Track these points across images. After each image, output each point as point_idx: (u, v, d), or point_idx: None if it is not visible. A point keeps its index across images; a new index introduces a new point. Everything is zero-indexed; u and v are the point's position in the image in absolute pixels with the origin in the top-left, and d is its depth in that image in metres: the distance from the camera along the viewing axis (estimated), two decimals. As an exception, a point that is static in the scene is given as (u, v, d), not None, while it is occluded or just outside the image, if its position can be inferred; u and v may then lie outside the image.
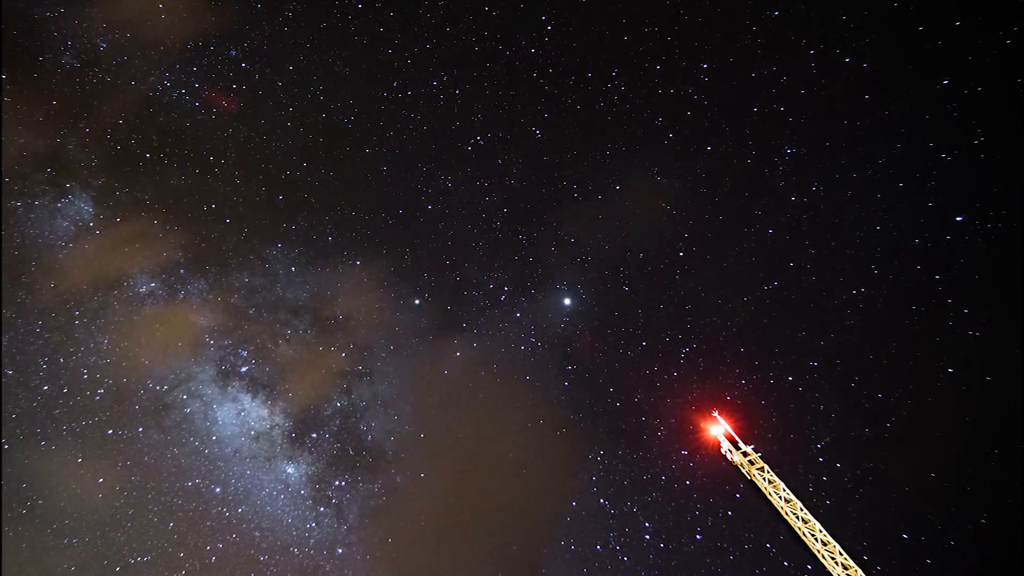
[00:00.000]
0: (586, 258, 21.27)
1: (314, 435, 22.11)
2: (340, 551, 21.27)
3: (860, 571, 12.34)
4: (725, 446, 14.48)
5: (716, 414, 14.90)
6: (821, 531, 12.77)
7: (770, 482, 13.48)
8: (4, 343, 21.08)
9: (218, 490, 21.42)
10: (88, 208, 21.68)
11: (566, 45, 21.91)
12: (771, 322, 19.28)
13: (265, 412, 22.22)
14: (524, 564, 20.74)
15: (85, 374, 21.40)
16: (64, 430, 21.25)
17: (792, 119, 20.18)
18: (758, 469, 13.71)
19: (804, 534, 12.93)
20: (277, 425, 22.15)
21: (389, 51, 22.44)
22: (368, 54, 22.58)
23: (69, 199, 21.60)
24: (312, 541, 21.27)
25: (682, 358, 19.75)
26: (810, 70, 20.13)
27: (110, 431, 21.19)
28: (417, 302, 22.58)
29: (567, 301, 21.64)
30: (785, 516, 13.18)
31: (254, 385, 22.20)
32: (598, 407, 20.73)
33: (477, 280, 22.24)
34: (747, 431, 19.14)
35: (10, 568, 20.26)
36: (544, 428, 21.24)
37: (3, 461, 20.23)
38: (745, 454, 13.98)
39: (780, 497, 13.24)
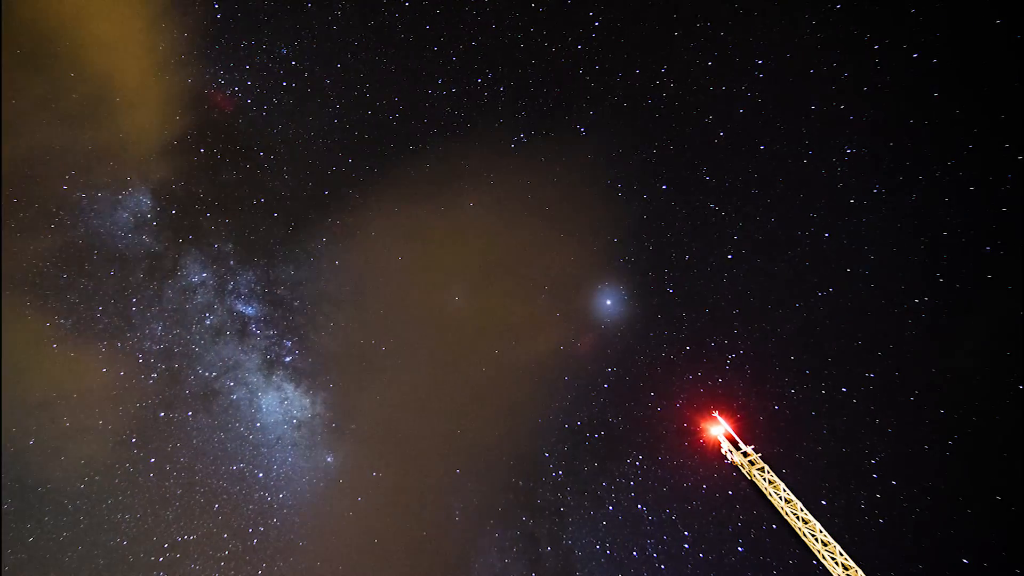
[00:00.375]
0: (629, 258, 20.89)
1: (353, 426, 22.61)
2: (376, 541, 21.67)
3: (860, 571, 12.29)
4: (725, 446, 14.49)
5: (716, 414, 14.91)
6: (821, 531, 12.73)
7: (770, 482, 13.48)
8: (68, 326, 22.31)
9: (261, 475, 22.14)
10: (146, 201, 22.70)
11: (613, 41, 21.49)
12: (824, 330, 18.43)
13: (307, 401, 22.85)
14: (558, 567, 20.64)
15: (140, 358, 22.45)
16: (120, 411, 22.35)
17: (853, 117, 19.22)
18: (758, 469, 13.72)
19: (804, 534, 12.90)
20: (318, 415, 22.74)
21: (434, 48, 22.56)
22: (414, 52, 22.77)
23: (129, 192, 22.65)
24: (350, 529, 21.79)
25: (728, 364, 19.13)
26: (873, 66, 19.12)
27: (162, 414, 22.19)
28: (457, 299, 22.75)
29: (608, 302, 21.32)
30: (785, 516, 13.17)
31: (297, 375, 22.85)
32: (638, 411, 20.35)
33: (517, 278, 22.21)
34: (795, 443, 18.46)
35: (67, 538, 21.43)
36: (582, 430, 21.07)
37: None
38: (745, 454, 13.99)
39: (780, 497, 13.24)
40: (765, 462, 13.76)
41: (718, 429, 14.77)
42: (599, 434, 20.79)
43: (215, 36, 22.90)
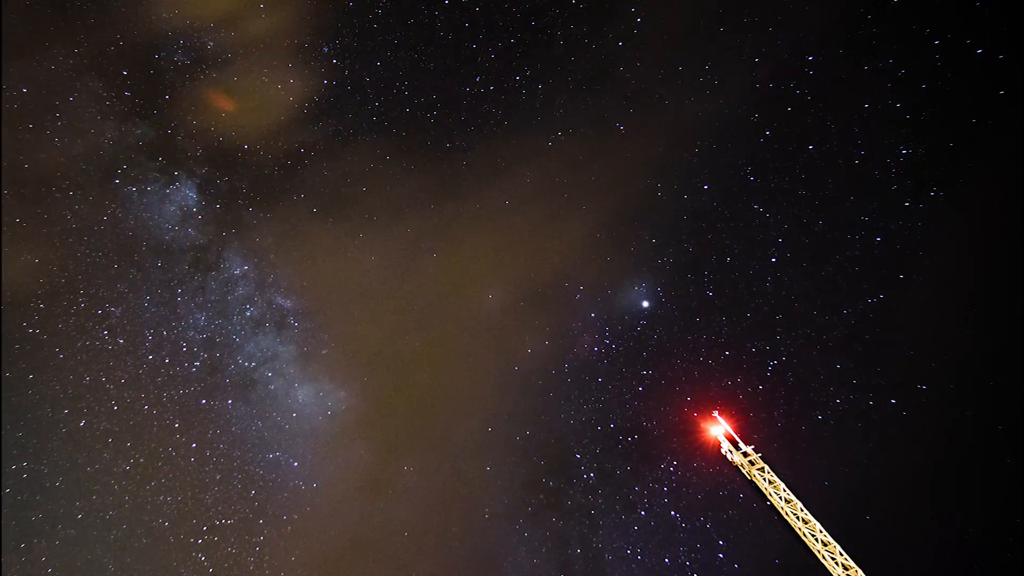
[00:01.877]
0: (668, 260, 20.46)
1: (386, 419, 22.90)
2: (406, 534, 21.93)
3: (860, 571, 12.27)
4: (725, 446, 14.52)
5: (716, 414, 14.92)
6: (821, 531, 12.73)
7: (770, 482, 13.49)
8: (117, 314, 23.24)
9: (296, 464, 22.64)
10: (192, 195, 23.41)
11: (656, 37, 21.07)
12: (874, 339, 17.69)
13: (342, 394, 23.24)
14: (588, 569, 20.44)
15: (184, 347, 23.22)
16: (164, 397, 23.18)
17: (910, 116, 18.32)
18: (758, 469, 13.74)
19: (804, 534, 12.91)
20: (352, 407, 23.11)
21: (473, 46, 22.57)
22: (453, 49, 22.84)
23: (176, 186, 23.39)
24: (380, 521, 22.10)
25: (769, 371, 18.54)
26: (933, 63, 18.18)
27: (203, 401, 22.91)
28: (491, 296, 22.74)
29: (645, 303, 20.93)
30: (785, 516, 13.18)
31: (332, 367, 23.26)
32: (674, 415, 19.92)
33: (552, 278, 22.05)
34: (840, 456, 17.76)
35: (113, 517, 22.34)
36: (615, 433, 20.78)
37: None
38: (745, 454, 14.01)
39: (780, 497, 13.26)
40: (768, 464, 13.68)
41: (718, 429, 14.78)
42: (632, 437, 20.49)
43: (260, 35, 23.45)
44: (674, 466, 19.77)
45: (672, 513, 19.47)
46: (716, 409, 15.05)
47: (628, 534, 20.09)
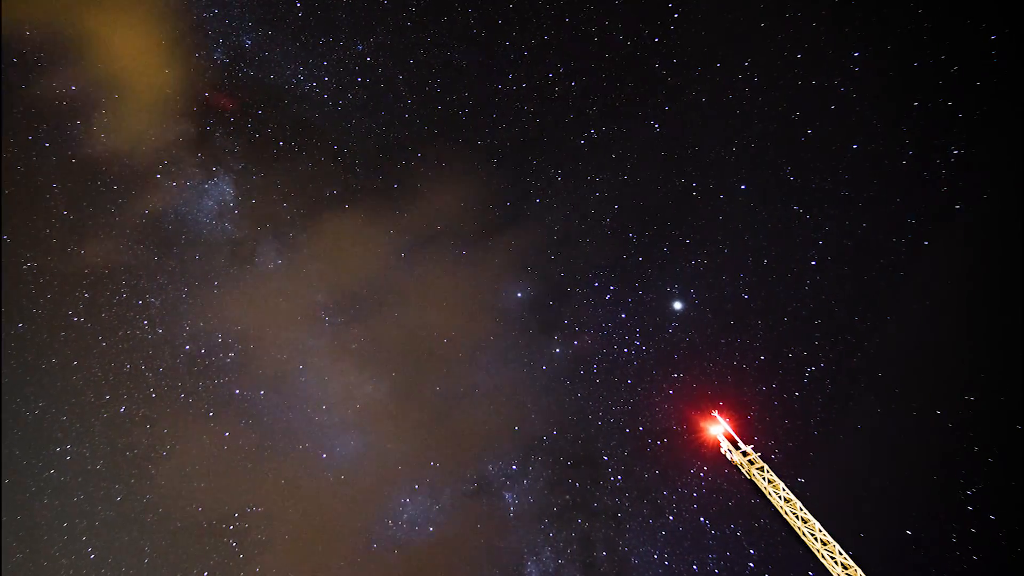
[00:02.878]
0: (702, 261, 20.02)
1: (413, 415, 23.09)
2: (431, 529, 22.08)
3: (860, 571, 12.26)
4: (725, 446, 14.48)
5: (716, 413, 14.89)
6: (821, 531, 12.73)
7: (770, 482, 13.48)
8: (157, 305, 23.98)
9: (324, 455, 23.02)
10: (230, 190, 23.96)
11: (694, 33, 20.62)
12: (920, 349, 16.95)
13: (370, 388, 23.52)
14: (613, 573, 20.25)
15: (219, 338, 23.82)
16: (200, 386, 23.84)
17: (963, 115, 17.47)
18: (758, 469, 13.75)
19: (804, 534, 12.90)
20: (380, 401, 23.37)
21: (506, 43, 22.48)
22: (486, 47, 22.79)
23: (215, 181, 23.97)
24: (405, 516, 22.27)
25: (806, 378, 17.98)
26: (989, 59, 17.29)
27: (237, 391, 23.46)
28: (519, 295, 22.69)
29: (677, 305, 20.54)
30: (785, 516, 13.17)
31: (362, 361, 23.56)
32: (705, 420, 19.48)
33: (582, 277, 21.86)
34: (883, 469, 17.07)
35: (150, 500, 23.06)
36: (644, 436, 20.50)
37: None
38: (745, 454, 14.01)
39: (780, 497, 13.25)
40: (767, 464, 13.57)
41: (717, 429, 14.71)
42: (662, 441, 20.17)
43: (295, 33, 23.83)
44: (704, 471, 19.41)
45: (701, 519, 19.13)
46: (716, 409, 15.05)
47: (655, 539, 19.83)
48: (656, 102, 20.58)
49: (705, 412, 15.12)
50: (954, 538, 16.10)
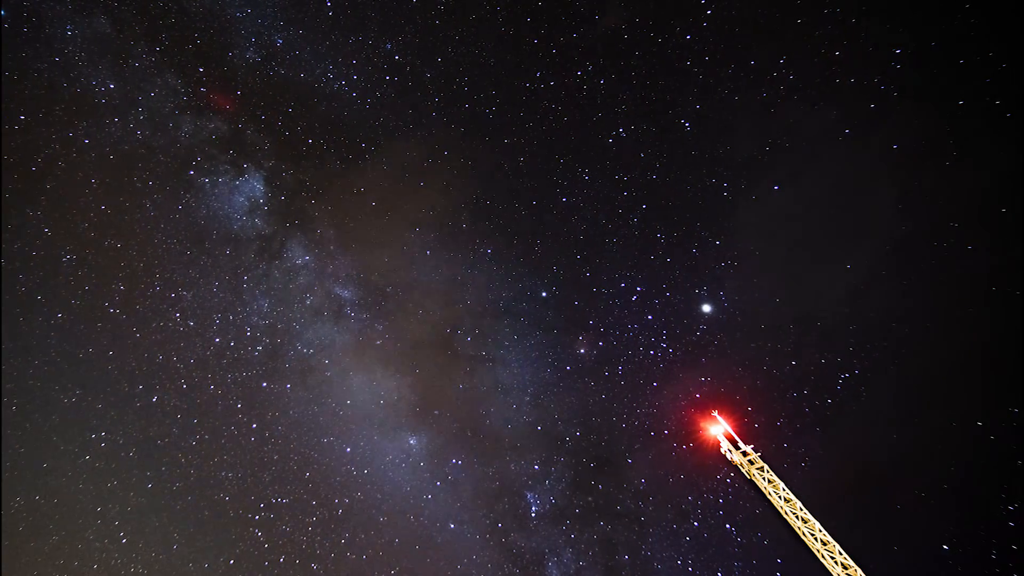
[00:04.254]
0: (732, 263, 19.58)
1: (436, 412, 23.21)
2: (452, 526, 22.18)
3: (860, 571, 12.23)
4: (725, 446, 14.48)
5: (715, 413, 14.90)
6: (821, 531, 12.73)
7: (770, 482, 13.47)
8: (188, 298, 24.55)
9: (348, 450, 23.32)
10: (260, 187, 24.38)
11: (727, 30, 20.15)
12: (962, 357, 16.28)
13: (394, 384, 23.74)
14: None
15: (248, 331, 24.29)
16: (228, 378, 24.35)
17: (1011, 114, 16.69)
18: (758, 469, 13.75)
19: (804, 534, 12.91)
20: (403, 398, 23.58)
21: (535, 41, 22.31)
22: (513, 45, 22.67)
23: (245, 178, 24.41)
24: (427, 511, 22.42)
25: (840, 385, 17.44)
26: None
27: (264, 384, 23.91)
28: (544, 295, 22.59)
29: (706, 308, 20.16)
30: (785, 516, 13.17)
31: (386, 357, 23.80)
32: (732, 425, 19.07)
33: (608, 277, 21.61)
34: (919, 482, 16.49)
35: (179, 488, 23.65)
36: (669, 439, 20.22)
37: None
38: (745, 454, 14.02)
39: (780, 497, 13.23)
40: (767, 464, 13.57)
41: (717, 428, 14.71)
42: (687, 445, 19.85)
43: (326, 33, 24.07)
44: (731, 477, 19.02)
45: (727, 526, 18.77)
46: (716, 409, 15.03)
47: (679, 544, 19.53)
48: (687, 100, 20.23)
49: (706, 413, 15.15)
50: (993, 555, 15.54)
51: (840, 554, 12.41)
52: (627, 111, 21.14)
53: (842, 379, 17.65)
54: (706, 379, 19.66)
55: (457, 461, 22.67)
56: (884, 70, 18.13)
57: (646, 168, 20.84)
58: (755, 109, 19.24)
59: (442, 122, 23.36)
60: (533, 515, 21.89)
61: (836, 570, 12.37)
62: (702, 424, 15.19)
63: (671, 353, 20.18)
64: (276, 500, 23.33)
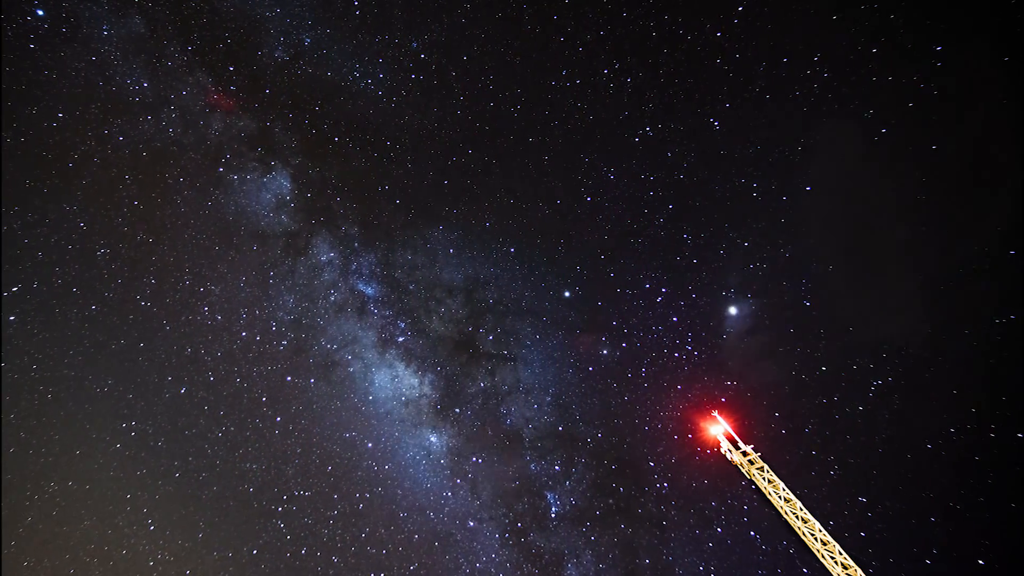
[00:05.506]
0: (761, 265, 19.15)
1: (457, 410, 23.31)
2: (471, 524, 22.27)
3: (860, 571, 12.23)
4: (725, 446, 14.46)
5: (716, 413, 14.86)
6: (821, 531, 12.74)
7: (770, 482, 13.48)
8: (216, 292, 25.04)
9: (370, 445, 23.56)
10: (286, 184, 24.73)
11: (759, 27, 19.70)
12: (1002, 365, 15.66)
13: (415, 381, 23.92)
14: (657, 578, 19.84)
15: (273, 326, 24.70)
16: (254, 372, 24.79)
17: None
18: (758, 469, 13.73)
19: (804, 534, 12.93)
20: (425, 395, 23.73)
21: (561, 39, 22.13)
22: (540, 43, 22.52)
23: (273, 175, 24.79)
24: (447, 509, 22.54)
25: (872, 391, 16.95)
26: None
27: (289, 378, 24.29)
28: (567, 294, 22.46)
29: (733, 310, 19.78)
30: (785, 516, 13.21)
31: (408, 355, 23.98)
32: (760, 431, 18.72)
33: (632, 278, 21.35)
34: (951, 494, 15.95)
35: (205, 478, 24.15)
36: (692, 443, 19.91)
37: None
38: (745, 454, 14.00)
39: (780, 497, 13.25)
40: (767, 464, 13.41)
41: (717, 429, 14.68)
42: (712, 450, 19.47)
43: (353, 31, 24.25)
44: (755, 485, 18.59)
45: (751, 533, 18.41)
46: (716, 409, 14.96)
47: (701, 550, 19.24)
48: (716, 99, 19.83)
49: (707, 413, 15.09)
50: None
51: (840, 554, 12.38)
52: (654, 110, 20.86)
53: (874, 386, 17.18)
54: (732, 383, 19.35)
55: (477, 459, 22.77)
56: (923, 69, 17.52)
57: (673, 168, 20.54)
58: (788, 108, 18.79)
59: (467, 120, 23.39)
60: (553, 516, 21.89)
61: (836, 570, 12.36)
62: (702, 424, 15.23)
63: (696, 356, 19.92)
64: (299, 493, 23.71)
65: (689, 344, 20.04)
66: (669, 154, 20.41)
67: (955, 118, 17.09)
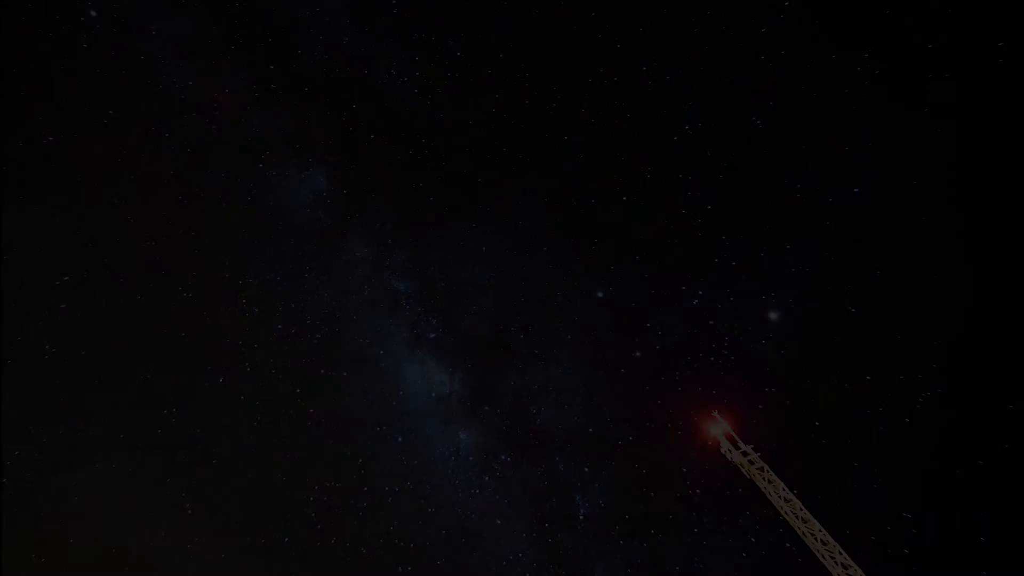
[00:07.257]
0: (803, 268, 18.54)
1: (487, 408, 23.36)
2: (499, 522, 22.29)
3: (860, 571, 12.11)
4: (724, 446, 14.28)
5: (716, 413, 14.72)
6: (821, 531, 12.65)
7: (770, 482, 13.34)
8: (255, 285, 25.66)
9: (400, 439, 23.83)
10: (323, 179, 25.16)
11: (804, 24, 19.05)
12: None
13: (446, 378, 24.08)
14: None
15: (308, 320, 25.21)
16: (288, 363, 25.35)
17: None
18: (757, 469, 13.58)
19: (804, 534, 12.81)
20: (455, 392, 23.87)
21: (599, 36, 21.86)
22: (577, 40, 22.28)
23: (310, 171, 25.28)
24: (475, 506, 22.61)
25: (919, 403, 16.20)
26: None
27: (322, 371, 24.76)
28: (601, 295, 22.20)
29: (773, 315, 19.20)
30: (785, 516, 13.09)
31: (439, 351, 24.16)
32: (796, 439, 18.16)
33: (668, 280, 20.98)
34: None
35: (239, 468, 24.79)
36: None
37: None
38: (745, 453, 13.85)
39: (780, 497, 13.12)
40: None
41: (717, 428, 14.52)
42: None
43: (391, 28, 24.49)
44: (795, 493, 18.05)
45: (788, 545, 17.84)
46: (715, 409, 14.79)
47: (735, 561, 18.78)
48: (760, 96, 19.24)
49: (706, 413, 14.94)
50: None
51: (840, 554, 12.28)
52: (693, 107, 20.39)
53: (922, 398, 16.42)
54: (770, 390, 18.78)
55: (506, 458, 22.76)
56: (985, 64, 16.64)
57: (712, 167, 20.03)
58: (836, 106, 18.09)
59: (502, 118, 23.35)
60: (581, 517, 21.71)
61: (836, 570, 12.24)
62: (701, 424, 15.04)
63: (732, 360, 19.39)
64: (330, 484, 24.14)
65: (726, 349, 19.57)
66: (708, 153, 19.98)
67: (1021, 115, 16.16)
